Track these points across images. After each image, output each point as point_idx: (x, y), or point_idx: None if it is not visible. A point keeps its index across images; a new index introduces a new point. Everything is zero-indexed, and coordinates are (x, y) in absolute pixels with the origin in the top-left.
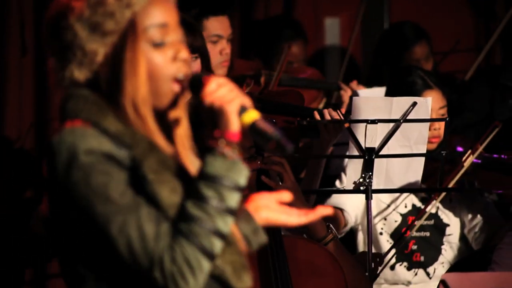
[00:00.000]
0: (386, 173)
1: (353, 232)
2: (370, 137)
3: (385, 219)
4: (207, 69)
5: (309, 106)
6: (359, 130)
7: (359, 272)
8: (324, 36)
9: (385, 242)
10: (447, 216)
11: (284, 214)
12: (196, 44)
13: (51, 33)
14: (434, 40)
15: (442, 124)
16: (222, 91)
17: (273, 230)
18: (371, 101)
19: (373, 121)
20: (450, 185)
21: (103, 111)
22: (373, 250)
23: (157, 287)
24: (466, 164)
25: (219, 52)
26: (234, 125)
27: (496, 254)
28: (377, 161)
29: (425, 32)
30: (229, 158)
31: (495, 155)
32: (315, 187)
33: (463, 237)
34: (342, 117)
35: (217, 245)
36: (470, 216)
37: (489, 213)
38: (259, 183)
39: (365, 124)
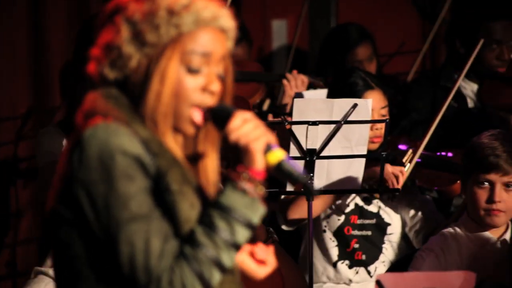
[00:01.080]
0: (327, 174)
1: (298, 229)
2: (311, 138)
3: (328, 217)
4: None
5: (251, 98)
6: (301, 132)
7: (298, 277)
8: (271, 38)
9: (328, 240)
10: (388, 215)
11: (255, 264)
12: None
13: (100, 24)
14: (380, 42)
15: (384, 124)
16: (247, 127)
17: None
18: (312, 102)
19: (314, 123)
20: (399, 186)
21: (133, 114)
22: (316, 248)
23: None
24: (411, 164)
25: None
26: (259, 164)
27: (412, 263)
28: (318, 162)
29: (368, 34)
30: (250, 195)
31: (438, 153)
32: None
33: (404, 236)
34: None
35: (216, 276)
36: (410, 214)
37: (429, 210)
38: None
39: (306, 125)
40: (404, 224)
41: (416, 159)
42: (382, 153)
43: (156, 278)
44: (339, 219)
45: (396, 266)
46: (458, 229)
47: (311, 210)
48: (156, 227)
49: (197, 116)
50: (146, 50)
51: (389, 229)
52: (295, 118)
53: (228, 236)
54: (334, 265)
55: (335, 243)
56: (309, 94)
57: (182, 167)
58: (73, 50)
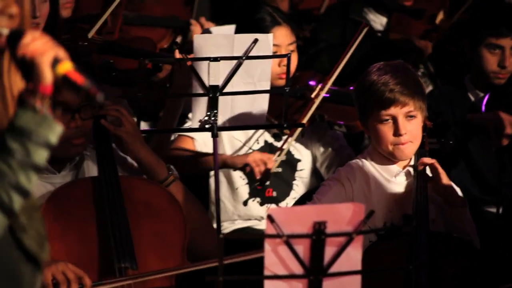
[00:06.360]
0: (231, 110)
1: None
2: (213, 75)
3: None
4: (55, 9)
5: (158, 44)
6: (202, 68)
7: (201, 215)
8: None
9: (238, 178)
10: (298, 151)
11: None
12: None
13: None
14: None
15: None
16: (36, 44)
17: (109, 170)
18: (212, 38)
19: (216, 59)
20: (304, 121)
21: None
22: (226, 187)
23: None
24: (317, 99)
25: None
26: (47, 78)
27: (318, 190)
28: (221, 99)
29: None
30: (40, 113)
31: (346, 88)
32: (172, 126)
33: (314, 171)
34: (186, 56)
35: (17, 201)
36: (321, 149)
37: (340, 145)
38: (96, 129)
39: (207, 62)
40: (314, 159)
41: (324, 94)
42: (286, 88)
43: None
44: None
45: (302, 200)
46: (364, 160)
47: (216, 147)
48: None
49: None
50: None
51: (299, 165)
52: (195, 54)
53: (23, 157)
54: (245, 203)
55: (245, 181)
56: (215, 30)
57: None
58: None
